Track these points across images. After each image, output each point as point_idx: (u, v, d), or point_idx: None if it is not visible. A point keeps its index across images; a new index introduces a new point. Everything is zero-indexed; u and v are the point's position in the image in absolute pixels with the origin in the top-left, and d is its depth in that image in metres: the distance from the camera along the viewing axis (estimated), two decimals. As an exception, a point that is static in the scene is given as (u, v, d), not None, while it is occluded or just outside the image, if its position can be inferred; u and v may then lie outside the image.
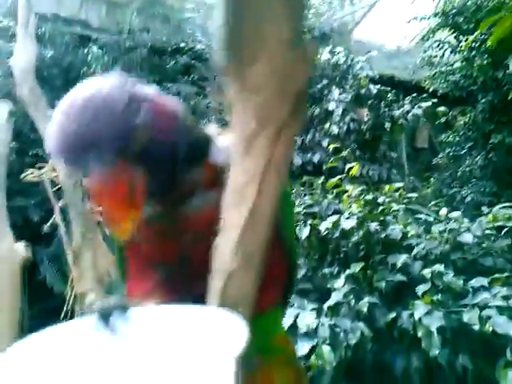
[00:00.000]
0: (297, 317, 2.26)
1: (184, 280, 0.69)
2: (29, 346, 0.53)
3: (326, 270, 2.88)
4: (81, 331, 0.58)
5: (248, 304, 0.57)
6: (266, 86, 0.50)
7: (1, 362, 0.48)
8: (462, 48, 6.01)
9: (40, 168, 2.65)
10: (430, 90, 7.00)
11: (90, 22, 7.28)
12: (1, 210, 2.52)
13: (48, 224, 2.73)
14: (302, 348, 2.13)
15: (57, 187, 2.68)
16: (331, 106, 4.35)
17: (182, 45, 6.78)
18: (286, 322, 2.22)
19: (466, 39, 6.39)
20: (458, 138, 7.36)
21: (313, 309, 2.34)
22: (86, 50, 6.57)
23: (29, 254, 2.55)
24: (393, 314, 2.32)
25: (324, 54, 4.65)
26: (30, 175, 2.67)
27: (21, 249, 2.52)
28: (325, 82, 4.64)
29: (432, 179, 6.61)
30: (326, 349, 2.09)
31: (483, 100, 6.81)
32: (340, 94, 4.43)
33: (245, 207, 0.56)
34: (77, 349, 0.55)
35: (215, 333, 0.52)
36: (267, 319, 0.81)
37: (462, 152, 7.31)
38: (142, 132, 0.65)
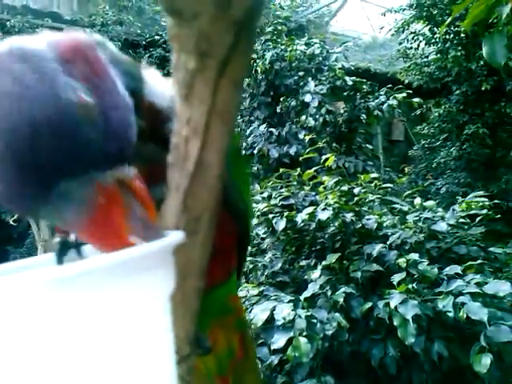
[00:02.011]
0: (273, 310, 2.24)
1: None
2: None
3: (303, 262, 2.88)
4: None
5: (199, 274, 0.53)
6: (203, 12, 0.44)
7: None
8: (440, 32, 6.04)
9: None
10: (406, 82, 7.05)
11: (61, 14, 7.13)
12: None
13: (14, 217, 2.64)
14: (279, 341, 2.12)
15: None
16: (307, 97, 4.34)
17: (157, 37, 6.71)
18: (263, 315, 2.21)
19: (441, 31, 6.47)
20: (432, 130, 7.46)
21: (289, 301, 2.33)
22: (57, 43, 6.43)
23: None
24: (369, 304, 2.33)
25: (299, 46, 4.64)
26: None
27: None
28: (300, 73, 4.65)
29: (407, 171, 6.68)
30: (302, 340, 2.08)
31: (457, 91, 6.91)
32: (316, 85, 4.43)
33: (188, 164, 0.50)
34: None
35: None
36: (223, 289, 0.78)
37: (437, 144, 7.41)
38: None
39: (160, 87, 0.60)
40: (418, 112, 7.37)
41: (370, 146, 4.79)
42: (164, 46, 6.61)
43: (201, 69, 0.47)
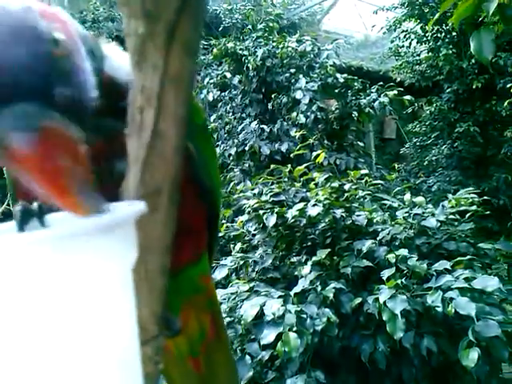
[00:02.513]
0: (263, 305, 2.25)
1: None
2: None
3: (294, 259, 2.88)
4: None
5: (163, 251, 0.52)
6: None
7: None
8: (428, 29, 6.09)
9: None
10: (397, 80, 7.08)
11: (52, 10, 7.05)
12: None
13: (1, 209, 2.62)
14: (268, 336, 2.13)
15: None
16: (298, 94, 4.34)
17: (148, 34, 6.66)
18: (252, 311, 2.21)
19: (432, 29, 6.49)
20: (424, 128, 7.47)
21: (279, 296, 2.33)
22: (48, 40, 6.38)
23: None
24: (359, 299, 2.34)
25: (291, 43, 4.64)
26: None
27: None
28: (292, 70, 4.65)
29: (399, 168, 6.70)
30: (292, 335, 2.09)
31: (448, 90, 6.94)
32: (307, 82, 4.42)
33: (144, 134, 0.49)
34: None
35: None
36: (195, 269, 0.77)
37: (429, 142, 7.44)
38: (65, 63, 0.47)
39: (120, 61, 0.60)
40: (410, 110, 7.39)
41: (361, 144, 4.80)
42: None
43: (150, 34, 0.46)
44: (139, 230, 0.49)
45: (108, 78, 0.56)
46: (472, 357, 1.92)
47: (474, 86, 6.49)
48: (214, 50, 5.01)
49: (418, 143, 7.65)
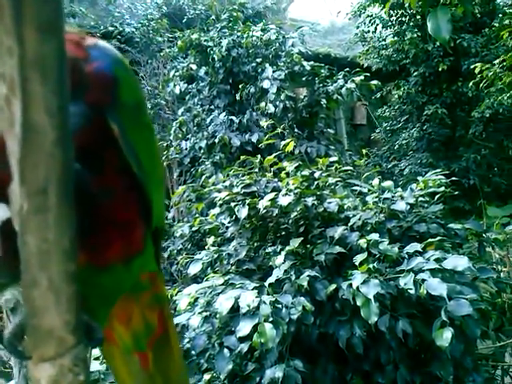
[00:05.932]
0: (238, 298, 2.23)
1: None
2: None
3: (269, 249, 2.87)
4: None
5: (64, 256, 0.48)
6: None
7: None
8: (385, 12, 6.14)
9: None
10: (365, 65, 7.12)
11: (10, 7, 6.85)
12: None
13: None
14: (244, 328, 2.11)
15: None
16: (266, 84, 4.32)
17: (111, 29, 6.53)
18: (227, 304, 2.19)
19: (397, 13, 6.54)
20: (393, 112, 7.56)
21: (254, 288, 2.31)
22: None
23: None
24: (333, 286, 2.34)
25: (255, 32, 4.60)
26: None
27: None
28: (258, 60, 4.61)
29: (365, 152, 6.74)
30: (267, 326, 2.08)
31: (415, 73, 7.02)
32: (274, 71, 4.40)
33: (16, 129, 0.45)
34: None
35: None
36: (132, 267, 0.70)
37: (398, 126, 7.53)
38: None
39: None
40: (379, 95, 7.46)
41: (331, 131, 4.81)
42: (119, 37, 6.45)
43: None
44: (30, 235, 0.46)
45: None
46: (446, 336, 1.94)
47: (440, 69, 6.57)
48: (179, 43, 4.94)
49: (388, 128, 7.74)
